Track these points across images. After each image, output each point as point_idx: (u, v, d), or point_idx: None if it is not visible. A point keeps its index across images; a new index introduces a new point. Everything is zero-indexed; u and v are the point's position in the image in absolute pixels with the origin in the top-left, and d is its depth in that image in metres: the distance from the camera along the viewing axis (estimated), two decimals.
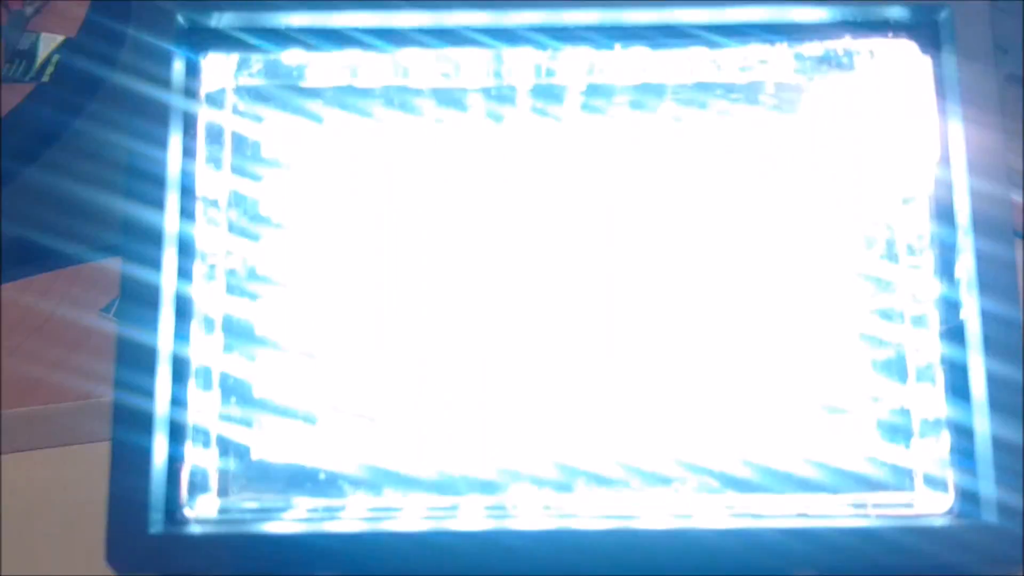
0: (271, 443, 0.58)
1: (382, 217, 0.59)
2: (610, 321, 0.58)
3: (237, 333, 0.58)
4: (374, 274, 0.59)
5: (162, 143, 0.55)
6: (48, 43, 1.00)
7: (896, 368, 0.57)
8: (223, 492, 0.57)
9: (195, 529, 0.54)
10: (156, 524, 0.53)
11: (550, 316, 0.58)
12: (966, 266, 0.54)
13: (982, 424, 0.53)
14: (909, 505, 0.55)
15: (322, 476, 0.58)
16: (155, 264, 0.54)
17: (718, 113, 0.59)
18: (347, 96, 0.60)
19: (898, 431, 0.56)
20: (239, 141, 0.59)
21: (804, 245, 0.59)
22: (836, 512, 0.55)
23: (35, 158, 0.80)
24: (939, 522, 0.53)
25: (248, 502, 0.57)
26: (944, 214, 0.56)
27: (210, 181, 0.58)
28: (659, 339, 0.58)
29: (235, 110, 0.59)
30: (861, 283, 0.58)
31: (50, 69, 0.98)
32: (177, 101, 0.56)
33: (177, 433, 0.55)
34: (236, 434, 0.58)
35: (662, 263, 0.58)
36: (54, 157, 0.81)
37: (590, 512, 0.55)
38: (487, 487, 0.57)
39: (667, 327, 0.58)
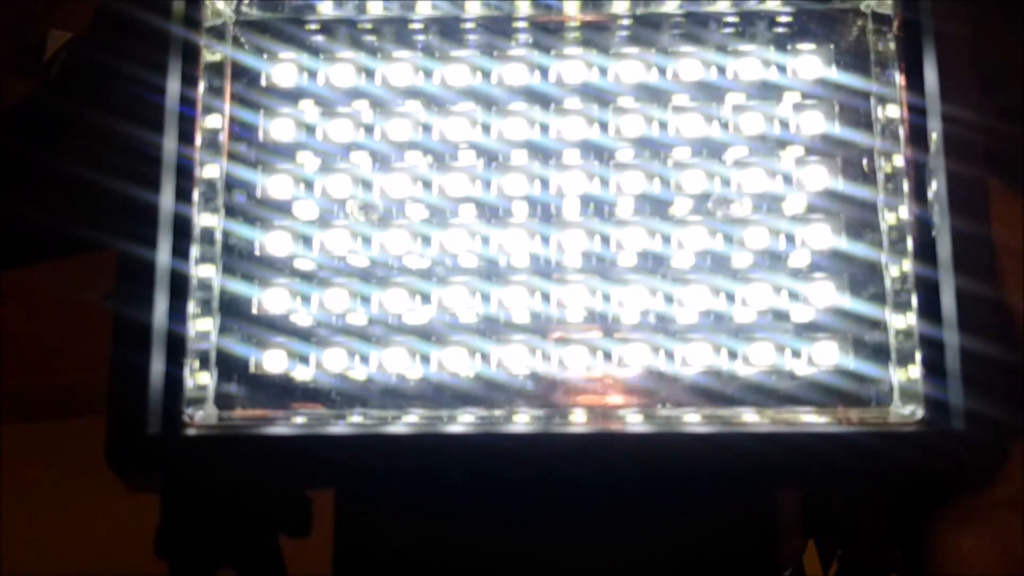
0: (271, 360, 0.60)
1: (380, 147, 0.61)
2: (596, 241, 0.60)
3: (238, 254, 0.60)
4: (373, 204, 0.61)
5: (162, 71, 0.58)
6: (56, 39, 1.02)
7: (873, 288, 0.59)
8: (222, 406, 0.59)
9: (193, 431, 0.56)
10: (154, 426, 0.55)
11: (541, 236, 0.60)
12: (938, 187, 0.56)
13: (951, 338, 0.54)
14: (884, 416, 0.57)
15: (322, 392, 0.60)
16: (154, 186, 0.57)
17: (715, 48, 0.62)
18: (350, 30, 0.62)
19: (876, 349, 0.58)
20: (240, 73, 0.62)
21: (783, 167, 0.60)
22: (812, 422, 0.57)
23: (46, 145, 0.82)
24: (911, 429, 0.55)
25: (246, 413, 0.59)
26: (919, 141, 0.58)
27: (211, 110, 0.60)
28: (640, 257, 0.60)
29: (236, 42, 0.62)
30: (839, 202, 0.60)
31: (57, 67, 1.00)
32: (178, 31, 0.59)
33: (176, 343, 0.57)
34: (236, 349, 0.59)
35: (646, 178, 0.60)
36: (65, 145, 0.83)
37: (571, 420, 0.57)
38: (476, 400, 0.59)
39: (647, 245, 0.60)
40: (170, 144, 0.58)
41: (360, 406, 0.60)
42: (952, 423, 0.54)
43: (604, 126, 0.61)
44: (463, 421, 0.58)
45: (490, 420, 0.58)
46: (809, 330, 0.59)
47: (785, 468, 0.55)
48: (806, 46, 0.62)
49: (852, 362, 0.58)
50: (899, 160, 0.59)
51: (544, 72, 0.62)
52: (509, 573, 0.60)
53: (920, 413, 0.55)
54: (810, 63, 0.62)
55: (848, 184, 0.60)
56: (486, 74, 0.62)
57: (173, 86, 0.59)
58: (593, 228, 0.60)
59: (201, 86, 0.60)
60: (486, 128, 0.61)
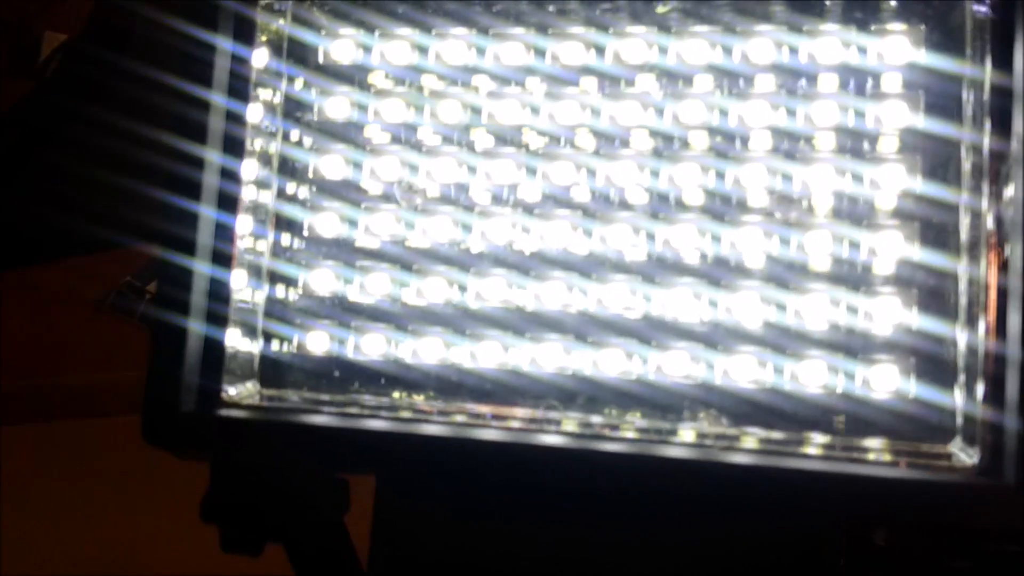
0: (316, 338, 0.60)
1: (431, 126, 0.60)
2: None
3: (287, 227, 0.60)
4: (420, 182, 0.60)
5: (211, 45, 0.58)
6: (51, 41, 1.03)
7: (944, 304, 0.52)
8: (266, 382, 0.60)
9: (226, 412, 0.57)
10: (188, 403, 0.57)
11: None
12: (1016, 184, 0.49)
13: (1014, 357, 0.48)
14: (942, 451, 0.51)
15: (365, 373, 0.59)
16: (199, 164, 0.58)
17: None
18: (404, 7, 0.60)
19: (942, 371, 0.52)
20: (296, 48, 0.61)
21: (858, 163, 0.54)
22: (865, 458, 0.52)
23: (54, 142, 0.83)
24: (962, 480, 0.49)
25: (289, 393, 0.59)
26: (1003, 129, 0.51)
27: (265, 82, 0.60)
28: (693, 268, 0.56)
29: (293, 18, 0.61)
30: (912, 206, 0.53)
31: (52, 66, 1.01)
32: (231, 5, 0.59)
33: (217, 319, 0.58)
34: (281, 326, 0.60)
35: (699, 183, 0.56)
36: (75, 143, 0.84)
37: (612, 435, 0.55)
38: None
39: (701, 256, 0.56)
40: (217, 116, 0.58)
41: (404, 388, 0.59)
42: (1005, 473, 0.47)
43: (660, 112, 0.57)
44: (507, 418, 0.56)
45: (521, 432, 0.56)
46: (874, 348, 0.53)
47: (832, 510, 0.51)
48: (895, 26, 0.55)
49: (915, 386, 0.52)
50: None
51: (601, 52, 0.58)
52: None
53: (976, 458, 0.49)
54: (898, 45, 0.55)
55: (930, 184, 0.53)
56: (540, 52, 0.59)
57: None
58: (639, 225, 0.56)
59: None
60: (535, 111, 0.58)
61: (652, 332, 0.55)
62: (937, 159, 0.53)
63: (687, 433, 0.55)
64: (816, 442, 0.53)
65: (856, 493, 0.50)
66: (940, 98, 0.53)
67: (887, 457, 0.52)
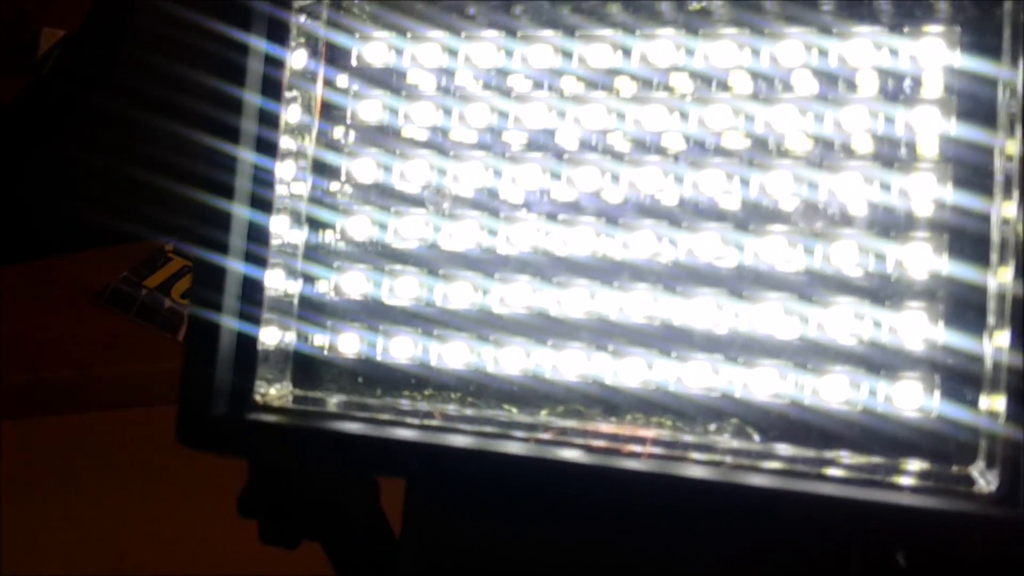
0: (347, 341, 0.61)
1: (463, 126, 0.60)
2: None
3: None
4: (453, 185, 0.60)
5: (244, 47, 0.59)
6: (49, 38, 1.03)
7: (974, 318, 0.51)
8: (300, 384, 0.61)
9: (258, 416, 0.59)
10: (220, 407, 0.58)
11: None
12: None
13: None
14: (963, 472, 0.49)
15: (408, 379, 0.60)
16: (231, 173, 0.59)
17: None
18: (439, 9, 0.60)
19: (967, 387, 0.50)
20: (331, 51, 0.61)
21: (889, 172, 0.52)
22: (890, 480, 0.51)
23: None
24: (979, 510, 0.47)
25: (322, 396, 0.61)
26: None
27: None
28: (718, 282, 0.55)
29: (328, 21, 0.61)
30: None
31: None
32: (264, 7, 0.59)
33: (250, 320, 0.59)
34: (314, 328, 0.61)
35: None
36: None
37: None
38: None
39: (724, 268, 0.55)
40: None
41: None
42: (1021, 503, 0.46)
43: (685, 116, 0.56)
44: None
45: (537, 444, 0.56)
46: (897, 365, 0.52)
47: (846, 536, 0.50)
48: (931, 27, 0.52)
49: (938, 402, 0.51)
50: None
51: (628, 53, 0.57)
52: None
53: (994, 484, 0.47)
54: (932, 47, 0.52)
55: (961, 193, 0.51)
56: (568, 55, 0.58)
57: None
58: (662, 232, 0.56)
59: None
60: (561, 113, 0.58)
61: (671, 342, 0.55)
62: (969, 166, 0.51)
63: (703, 451, 0.54)
64: (835, 462, 0.52)
65: (871, 521, 0.49)
66: (974, 102, 0.51)
67: (911, 481, 0.50)
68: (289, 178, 0.61)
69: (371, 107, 0.62)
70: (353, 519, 0.65)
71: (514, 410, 0.58)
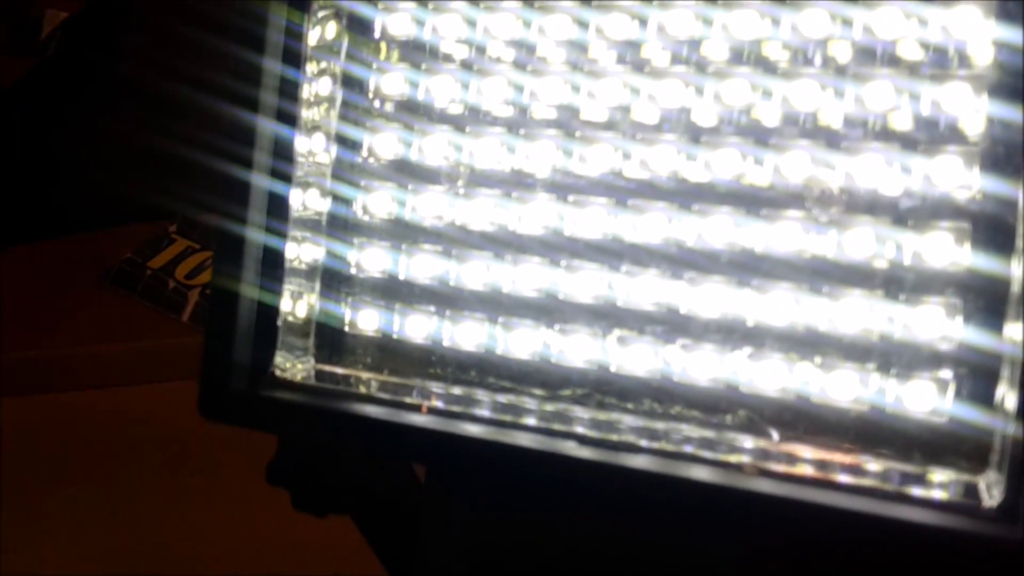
0: (366, 317, 0.61)
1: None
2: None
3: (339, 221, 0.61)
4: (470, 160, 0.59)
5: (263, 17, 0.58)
6: (52, 19, 1.01)
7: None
8: (321, 358, 0.61)
9: (277, 393, 0.59)
10: (239, 380, 0.59)
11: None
12: None
13: None
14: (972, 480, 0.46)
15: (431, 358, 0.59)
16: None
17: None
18: None
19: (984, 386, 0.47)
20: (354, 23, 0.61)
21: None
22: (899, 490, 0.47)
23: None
24: (977, 528, 0.44)
25: (341, 371, 0.61)
26: None
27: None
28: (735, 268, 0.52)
29: None
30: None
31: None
32: None
33: (271, 294, 0.59)
34: (334, 303, 0.61)
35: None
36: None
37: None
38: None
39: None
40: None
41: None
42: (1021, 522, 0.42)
43: (700, 90, 0.53)
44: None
45: (553, 444, 0.54)
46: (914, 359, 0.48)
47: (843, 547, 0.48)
48: None
49: (951, 404, 0.47)
50: None
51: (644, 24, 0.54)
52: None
53: (998, 499, 0.44)
54: (966, 16, 0.48)
55: (988, 178, 0.47)
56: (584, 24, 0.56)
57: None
58: (674, 215, 0.53)
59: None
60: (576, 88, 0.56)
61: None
62: (1000, 147, 0.47)
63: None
64: (842, 467, 0.49)
65: (867, 534, 0.46)
66: (1007, 77, 0.46)
67: (921, 492, 0.47)
68: (310, 150, 0.60)
69: (394, 79, 0.61)
70: (382, 492, 0.65)
71: (539, 392, 0.56)
